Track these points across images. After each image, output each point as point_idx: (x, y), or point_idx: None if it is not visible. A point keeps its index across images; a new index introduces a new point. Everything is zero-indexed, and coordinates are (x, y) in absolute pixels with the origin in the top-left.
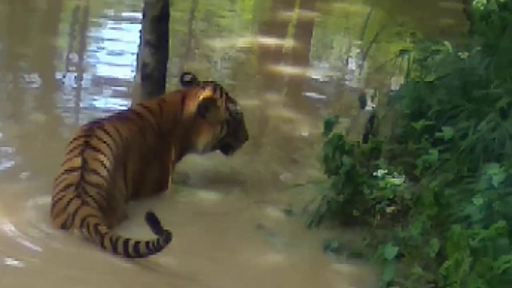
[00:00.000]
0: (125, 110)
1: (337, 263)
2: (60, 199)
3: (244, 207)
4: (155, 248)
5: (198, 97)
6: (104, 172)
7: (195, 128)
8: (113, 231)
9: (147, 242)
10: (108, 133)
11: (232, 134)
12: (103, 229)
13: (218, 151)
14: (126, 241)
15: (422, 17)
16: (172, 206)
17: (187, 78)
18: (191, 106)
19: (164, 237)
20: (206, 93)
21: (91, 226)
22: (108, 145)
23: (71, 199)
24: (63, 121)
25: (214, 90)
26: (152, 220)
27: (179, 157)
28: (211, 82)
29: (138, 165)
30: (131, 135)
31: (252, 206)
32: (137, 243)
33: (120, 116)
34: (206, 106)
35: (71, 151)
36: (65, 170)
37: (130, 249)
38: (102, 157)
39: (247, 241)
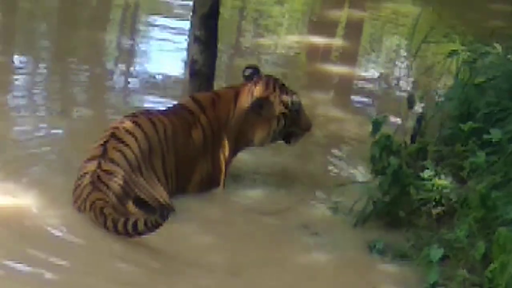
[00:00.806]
0: (175, 104)
1: (382, 264)
2: (78, 185)
3: (291, 205)
4: (153, 225)
5: (251, 93)
6: (122, 161)
7: (250, 124)
8: (115, 213)
9: (146, 220)
10: (138, 125)
11: (292, 124)
12: (107, 210)
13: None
14: (126, 221)
15: (472, 19)
16: (219, 204)
17: (247, 72)
18: (244, 103)
19: (160, 213)
20: (259, 90)
21: (97, 209)
22: (135, 137)
23: (85, 185)
24: (111, 117)
25: (267, 85)
26: (141, 204)
27: (234, 153)
28: (265, 76)
29: (182, 159)
30: (173, 129)
31: (298, 205)
32: (135, 221)
33: (164, 110)
34: (260, 104)
35: (97, 141)
36: (87, 159)
37: (129, 228)
38: (124, 148)
39: (292, 240)
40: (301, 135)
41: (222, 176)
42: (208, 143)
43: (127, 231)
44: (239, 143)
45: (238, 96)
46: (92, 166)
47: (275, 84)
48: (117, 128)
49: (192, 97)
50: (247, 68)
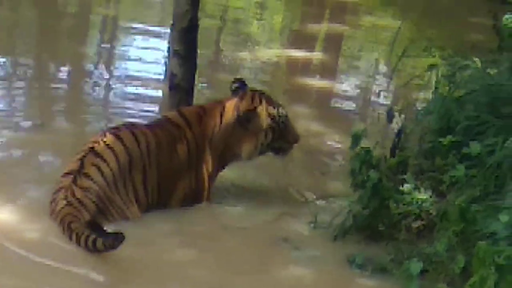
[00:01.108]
0: (161, 117)
1: (361, 278)
2: (54, 199)
3: (270, 220)
4: (110, 246)
5: (237, 107)
6: (98, 177)
7: (237, 138)
8: (82, 228)
9: (104, 240)
10: (120, 139)
11: (280, 138)
12: (74, 225)
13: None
14: (87, 236)
15: (451, 32)
16: (202, 218)
17: (234, 86)
18: (230, 117)
19: (115, 237)
20: (245, 105)
21: (66, 223)
22: (114, 151)
23: (59, 200)
24: (91, 129)
25: (253, 99)
26: (96, 228)
27: (220, 168)
28: (250, 90)
29: (165, 174)
30: (157, 142)
31: (278, 219)
32: (95, 239)
33: (149, 123)
34: (247, 117)
35: (76, 155)
36: (64, 173)
37: (90, 244)
38: (101, 163)
39: (273, 255)
40: (289, 148)
41: (205, 192)
42: (193, 158)
43: (87, 246)
44: (226, 158)
45: (224, 111)
46: (67, 181)
47: (261, 97)
48: (97, 142)
49: (178, 111)
50: (233, 82)
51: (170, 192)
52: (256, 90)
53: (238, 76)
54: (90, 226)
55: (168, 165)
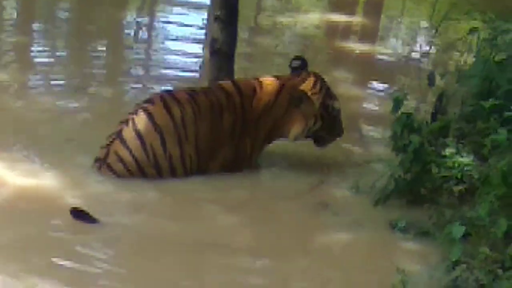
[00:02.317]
0: (214, 84)
1: (404, 242)
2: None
3: (311, 186)
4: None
5: (295, 88)
6: (120, 169)
7: (288, 117)
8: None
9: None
10: (150, 117)
11: (326, 128)
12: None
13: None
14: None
15: None
16: (244, 186)
17: (295, 64)
18: (287, 97)
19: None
20: (305, 87)
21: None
22: (141, 137)
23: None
24: (131, 95)
25: (314, 85)
26: (78, 215)
27: (266, 143)
28: (313, 74)
29: (204, 140)
30: (195, 111)
31: (319, 186)
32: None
33: (194, 90)
34: (301, 98)
35: (108, 137)
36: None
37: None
38: (125, 153)
39: (315, 220)
40: (331, 140)
41: (245, 164)
42: (237, 128)
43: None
44: (273, 135)
45: (282, 90)
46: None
47: (322, 86)
48: (126, 123)
49: (234, 81)
50: (294, 59)
51: (209, 158)
52: (319, 76)
53: (277, 42)
54: (74, 216)
55: (209, 132)
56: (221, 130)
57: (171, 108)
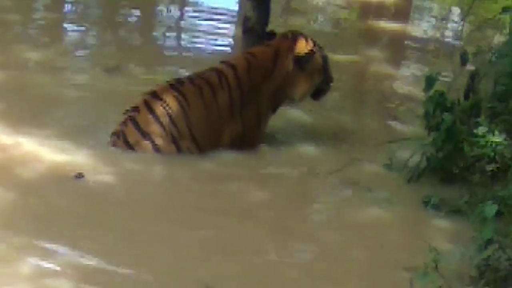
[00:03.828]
0: (210, 69)
1: (437, 219)
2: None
3: (343, 163)
4: None
5: (293, 50)
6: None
7: (292, 81)
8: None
9: None
10: (152, 113)
11: (325, 80)
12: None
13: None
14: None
15: None
16: (271, 162)
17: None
18: (287, 60)
19: None
20: (301, 47)
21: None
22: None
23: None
24: (161, 75)
25: (307, 41)
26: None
27: (272, 110)
28: (299, 33)
29: (201, 127)
30: (187, 99)
31: (352, 162)
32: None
33: (184, 79)
34: (307, 59)
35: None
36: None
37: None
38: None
39: (347, 197)
40: (328, 89)
41: (256, 135)
42: (237, 103)
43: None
44: (278, 101)
45: (278, 55)
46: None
47: (313, 40)
48: (125, 123)
49: (222, 60)
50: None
51: (214, 141)
52: (302, 33)
53: (307, 21)
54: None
55: (204, 117)
56: (218, 110)
57: (155, 110)
